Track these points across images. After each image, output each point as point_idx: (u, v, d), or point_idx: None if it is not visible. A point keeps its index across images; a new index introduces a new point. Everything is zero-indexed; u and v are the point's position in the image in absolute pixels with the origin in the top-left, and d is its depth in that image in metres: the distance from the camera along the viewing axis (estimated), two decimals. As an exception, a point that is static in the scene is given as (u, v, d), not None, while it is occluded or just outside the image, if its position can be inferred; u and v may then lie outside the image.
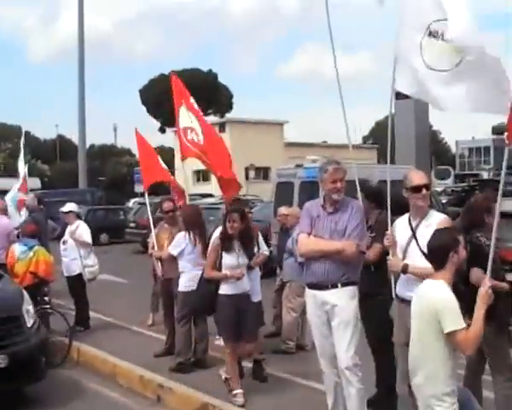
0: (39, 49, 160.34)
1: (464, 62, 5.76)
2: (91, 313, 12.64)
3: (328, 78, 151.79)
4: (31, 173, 23.83)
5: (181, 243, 9.65)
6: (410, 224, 6.57)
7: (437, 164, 54.76)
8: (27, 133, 47.20)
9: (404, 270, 6.43)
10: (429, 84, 6.16)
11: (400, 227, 6.69)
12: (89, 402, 8.86)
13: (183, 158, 11.61)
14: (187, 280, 9.54)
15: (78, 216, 12.87)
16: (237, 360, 8.62)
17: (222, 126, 62.04)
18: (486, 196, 6.00)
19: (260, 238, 9.55)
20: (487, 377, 6.74)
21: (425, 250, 6.24)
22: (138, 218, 29.09)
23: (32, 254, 10.90)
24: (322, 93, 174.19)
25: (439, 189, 41.43)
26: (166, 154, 74.53)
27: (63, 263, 12.33)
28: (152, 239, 10.92)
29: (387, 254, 6.82)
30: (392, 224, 6.88)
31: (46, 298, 10.78)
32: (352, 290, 6.77)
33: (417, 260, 6.35)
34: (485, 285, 5.23)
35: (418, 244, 6.40)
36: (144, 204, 24.26)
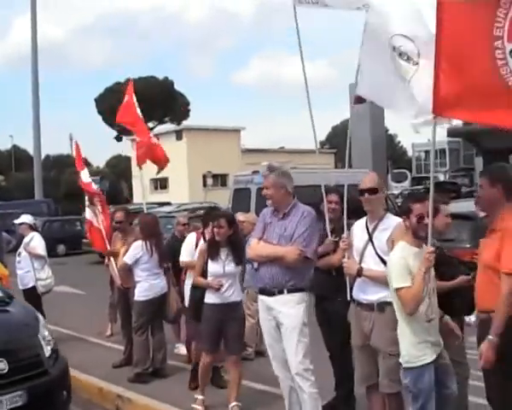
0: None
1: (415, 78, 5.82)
2: (49, 326, 12.47)
3: (284, 84, 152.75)
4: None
5: (137, 252, 9.57)
6: (367, 227, 6.59)
7: (394, 167, 55.27)
8: (-19, 145, 46.78)
9: (359, 273, 6.44)
10: (393, 92, 6.17)
11: (358, 231, 6.70)
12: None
13: (140, 166, 11.73)
14: (143, 290, 9.49)
15: (34, 228, 12.67)
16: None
17: (179, 134, 61.86)
18: (434, 198, 6.03)
19: None
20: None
21: (380, 254, 6.31)
22: (95, 228, 28.73)
23: (-15, 267, 10.75)
24: (279, 99, 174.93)
25: (396, 192, 41.83)
26: (123, 162, 74.41)
27: (18, 276, 12.16)
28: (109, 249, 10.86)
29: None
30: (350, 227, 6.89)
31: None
32: (298, 297, 6.78)
33: (372, 263, 6.40)
34: (428, 251, 5.51)
35: (374, 248, 6.42)
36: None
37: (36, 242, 12.20)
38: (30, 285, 12.01)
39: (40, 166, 46.65)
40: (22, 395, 6.81)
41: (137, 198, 53.16)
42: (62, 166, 74.16)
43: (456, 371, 6.14)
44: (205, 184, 55.45)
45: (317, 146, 8.04)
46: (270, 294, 6.86)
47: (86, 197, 12.76)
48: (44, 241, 12.41)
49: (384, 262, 6.23)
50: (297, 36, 7.35)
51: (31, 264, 11.99)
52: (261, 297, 7.05)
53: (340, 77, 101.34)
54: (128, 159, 64.55)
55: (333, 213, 7.48)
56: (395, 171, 54.42)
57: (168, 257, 9.96)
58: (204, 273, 8.17)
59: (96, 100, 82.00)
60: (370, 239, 6.47)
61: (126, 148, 70.74)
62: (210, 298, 8.11)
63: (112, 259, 10.73)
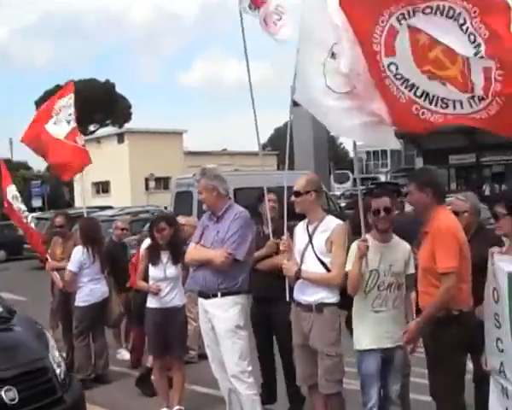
0: None
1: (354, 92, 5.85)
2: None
3: (227, 86, 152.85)
4: None
5: (78, 257, 9.49)
6: (307, 229, 6.64)
7: (336, 169, 55.67)
8: None
9: (298, 275, 6.49)
10: (327, 106, 6.20)
11: (299, 232, 6.75)
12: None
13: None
14: (84, 295, 9.43)
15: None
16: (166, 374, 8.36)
17: (120, 137, 61.41)
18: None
19: None
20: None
21: (319, 256, 6.39)
22: (36, 233, 28.35)
23: None
24: (222, 101, 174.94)
25: (338, 192, 42.21)
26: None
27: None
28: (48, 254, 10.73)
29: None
30: (291, 229, 6.93)
31: None
32: (231, 300, 6.83)
33: (312, 265, 6.46)
34: (360, 241, 5.91)
35: (314, 249, 6.48)
36: (42, 219, 23.92)
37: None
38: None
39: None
40: None
41: (79, 202, 52.61)
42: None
43: None
44: (147, 188, 55.12)
45: (260, 148, 8.08)
46: (206, 297, 6.93)
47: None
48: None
49: (323, 264, 6.35)
50: (243, 41, 7.42)
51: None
52: (200, 300, 7.11)
53: (282, 78, 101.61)
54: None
55: (272, 211, 7.55)
56: (337, 172, 54.86)
57: (108, 262, 9.91)
58: (147, 277, 8.18)
59: (36, 103, 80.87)
60: (310, 241, 6.52)
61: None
62: (151, 302, 8.12)
63: (50, 260, 10.59)
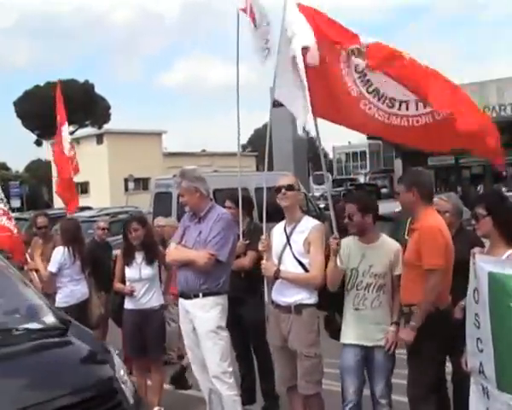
0: None
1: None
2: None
3: (208, 87, 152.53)
4: None
5: (58, 258, 9.43)
6: (285, 230, 6.65)
7: (315, 170, 55.64)
8: None
9: (276, 275, 6.51)
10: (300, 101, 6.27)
11: (277, 233, 6.76)
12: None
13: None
14: (64, 296, 9.36)
15: None
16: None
17: (99, 138, 61.27)
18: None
19: None
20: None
21: (298, 256, 6.41)
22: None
23: None
24: (203, 102, 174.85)
25: (317, 194, 42.23)
26: (43, 167, 73.15)
27: None
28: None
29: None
30: (269, 230, 6.95)
31: None
32: (212, 300, 6.82)
33: (291, 265, 6.48)
34: (331, 238, 6.09)
35: (292, 250, 6.50)
36: (21, 219, 23.72)
37: None
38: None
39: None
40: None
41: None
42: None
43: None
44: (126, 188, 54.95)
45: (239, 149, 8.09)
46: (188, 297, 6.92)
47: None
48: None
49: (302, 264, 6.38)
50: (236, 42, 7.45)
51: None
52: (180, 300, 7.10)
53: (262, 80, 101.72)
54: (48, 163, 63.58)
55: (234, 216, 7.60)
56: (316, 173, 54.84)
57: (89, 262, 9.86)
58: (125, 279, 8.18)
59: (14, 103, 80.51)
60: (288, 242, 6.55)
61: (47, 152, 69.73)
62: (128, 304, 8.14)
63: (30, 260, 10.51)
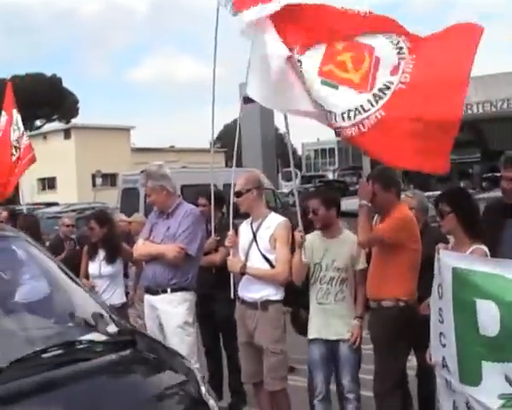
0: None
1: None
2: None
3: (177, 83, 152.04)
4: None
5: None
6: (252, 227, 6.65)
7: (284, 166, 55.73)
8: None
9: (242, 271, 6.51)
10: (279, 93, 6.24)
11: (244, 229, 6.77)
12: None
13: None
14: (25, 292, 9.26)
15: None
16: None
17: (67, 133, 60.77)
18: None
19: None
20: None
21: (264, 252, 6.41)
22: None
23: None
24: (171, 99, 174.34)
25: (286, 190, 42.36)
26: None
27: None
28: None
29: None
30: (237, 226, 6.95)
31: None
32: (180, 296, 6.79)
33: (257, 261, 6.47)
34: (297, 231, 6.14)
35: (258, 246, 6.50)
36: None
37: None
38: None
39: None
40: None
41: (25, 198, 51.90)
42: None
43: None
44: (94, 184, 54.58)
45: (212, 145, 8.05)
46: (155, 292, 6.87)
47: None
48: None
49: (268, 260, 6.38)
50: (214, 38, 7.29)
51: None
52: (146, 296, 7.06)
53: (231, 75, 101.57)
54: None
55: (203, 214, 7.56)
56: (285, 170, 54.92)
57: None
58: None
59: (-20, 98, 79.59)
60: (255, 238, 6.54)
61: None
62: None
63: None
